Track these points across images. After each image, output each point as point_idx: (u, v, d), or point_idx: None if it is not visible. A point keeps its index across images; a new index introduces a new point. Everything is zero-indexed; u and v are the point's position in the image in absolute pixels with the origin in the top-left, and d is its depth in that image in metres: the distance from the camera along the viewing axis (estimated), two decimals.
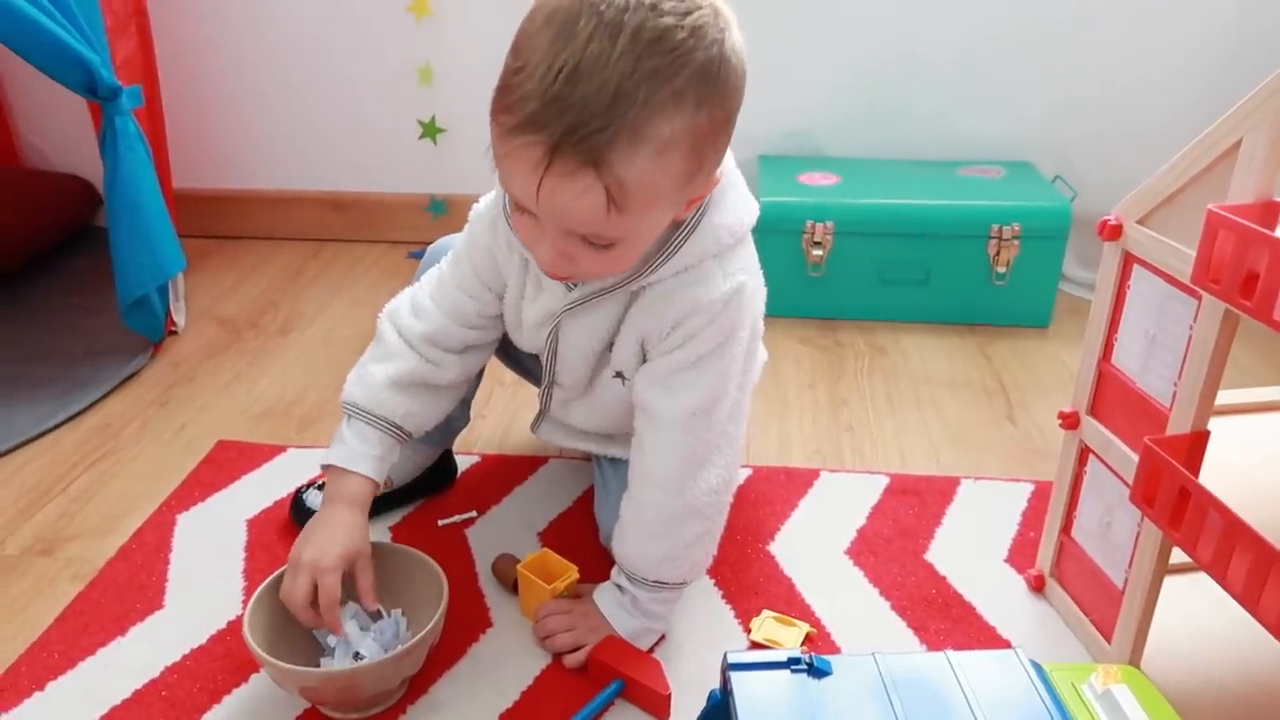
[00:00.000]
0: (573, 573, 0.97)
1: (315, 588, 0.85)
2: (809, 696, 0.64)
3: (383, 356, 0.96)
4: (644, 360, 0.91)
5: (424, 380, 0.96)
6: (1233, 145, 0.72)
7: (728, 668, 0.66)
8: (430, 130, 1.87)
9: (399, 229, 1.96)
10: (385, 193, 1.95)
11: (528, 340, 0.97)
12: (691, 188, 0.77)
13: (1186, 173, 0.77)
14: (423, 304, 0.97)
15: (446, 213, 1.92)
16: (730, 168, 0.86)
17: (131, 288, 1.41)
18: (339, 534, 0.87)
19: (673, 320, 0.86)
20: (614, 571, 0.96)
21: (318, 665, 0.88)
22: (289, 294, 1.76)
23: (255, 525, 1.12)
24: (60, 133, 1.92)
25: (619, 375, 0.93)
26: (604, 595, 0.95)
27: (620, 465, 1.06)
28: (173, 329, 1.58)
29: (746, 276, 0.87)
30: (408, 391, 0.95)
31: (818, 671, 0.65)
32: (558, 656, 0.93)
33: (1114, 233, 0.85)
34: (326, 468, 0.92)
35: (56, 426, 1.32)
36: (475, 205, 0.96)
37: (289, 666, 0.80)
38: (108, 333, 1.52)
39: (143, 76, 1.43)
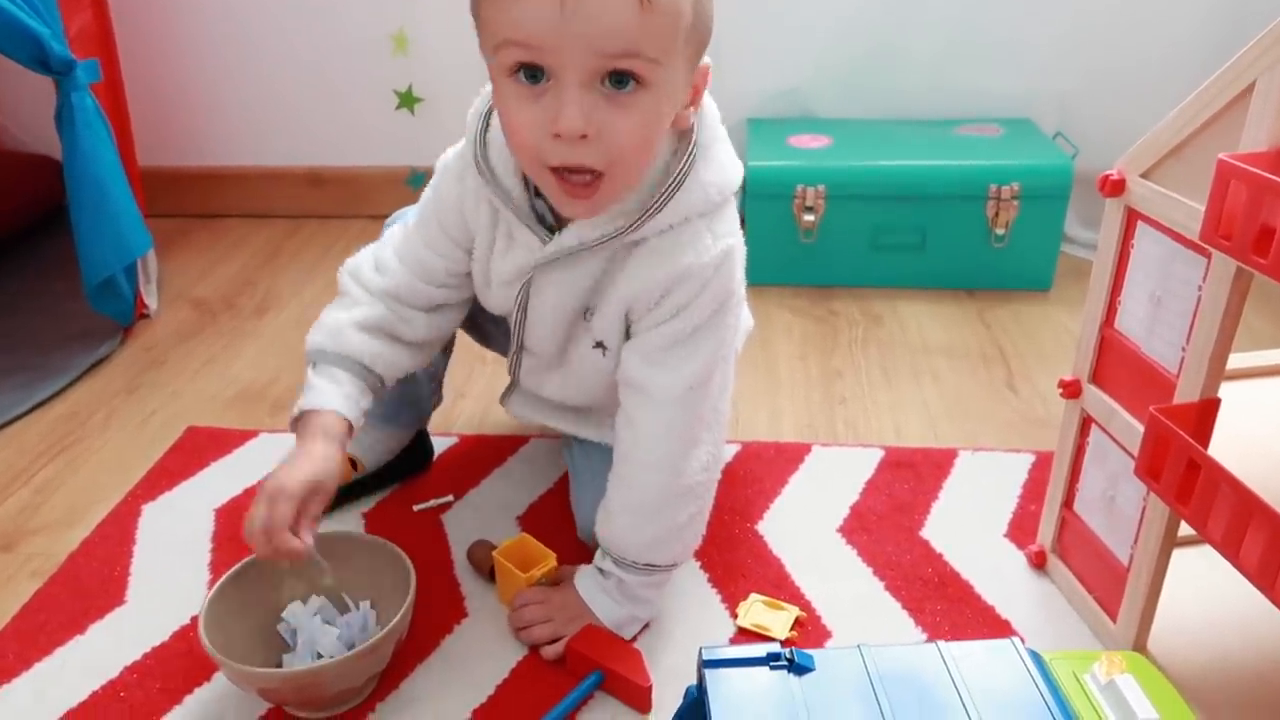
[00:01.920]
0: (550, 560, 0.92)
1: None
2: (789, 695, 0.59)
3: (346, 305, 0.91)
4: (627, 331, 0.86)
5: (391, 330, 0.91)
6: (1245, 89, 0.66)
7: (702, 664, 0.62)
8: (407, 100, 1.80)
9: (379, 203, 1.89)
10: (364, 166, 1.89)
11: (496, 299, 0.92)
12: (696, 49, 0.72)
13: (1194, 120, 0.71)
14: (386, 260, 0.92)
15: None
16: (717, 121, 0.82)
17: (96, 270, 1.36)
18: (304, 462, 0.81)
19: (662, 287, 0.81)
20: (597, 555, 0.91)
21: (279, 663, 0.84)
22: (266, 273, 1.71)
23: (223, 514, 1.08)
24: (29, 111, 1.85)
25: (600, 346, 0.88)
26: (585, 580, 0.90)
27: (591, 449, 1.01)
28: (145, 312, 1.53)
29: (735, 239, 0.83)
30: (375, 335, 0.90)
31: (799, 668, 0.60)
32: (534, 648, 0.89)
33: (1116, 188, 0.80)
34: (295, 420, 0.86)
35: (20, 416, 1.28)
36: (442, 158, 0.90)
37: (246, 668, 0.76)
38: (82, 318, 1.47)
39: (99, 49, 1.37)
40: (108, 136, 1.34)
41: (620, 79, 0.68)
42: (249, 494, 1.10)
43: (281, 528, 0.78)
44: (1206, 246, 0.69)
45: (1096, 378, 0.86)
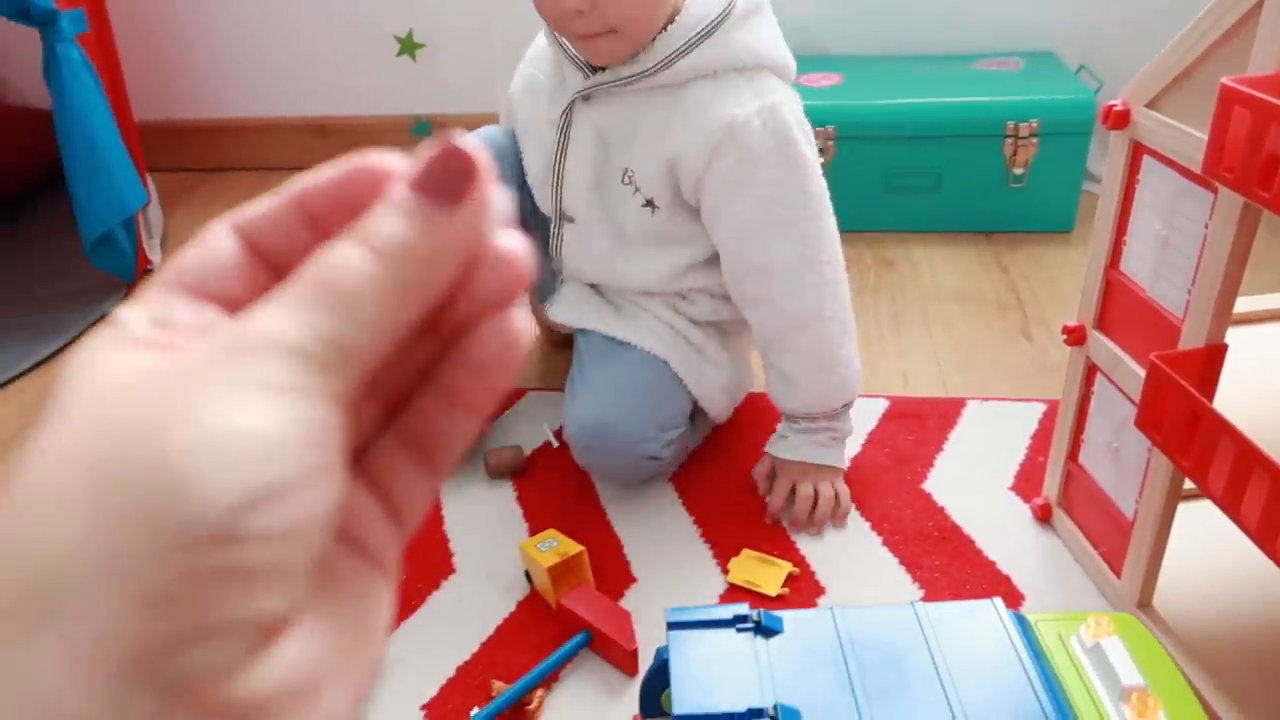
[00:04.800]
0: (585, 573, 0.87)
1: None
2: (754, 658, 0.57)
3: None
4: (678, 194, 0.90)
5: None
6: (1255, 5, 0.61)
7: (668, 626, 0.60)
8: (408, 46, 1.76)
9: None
10: (368, 115, 1.85)
11: (541, 150, 0.97)
12: None
13: (1201, 42, 0.66)
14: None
15: (431, 135, 1.82)
16: (765, 1, 0.89)
17: (93, 225, 1.35)
18: None
19: (706, 141, 0.85)
20: (787, 425, 0.96)
21: None
22: None
23: None
24: (34, 65, 1.84)
25: (650, 205, 0.91)
26: (798, 445, 0.95)
27: (598, 342, 0.98)
28: (149, 267, 1.52)
29: (779, 97, 0.87)
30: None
31: (766, 630, 0.58)
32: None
33: (1120, 120, 0.75)
34: None
35: (22, 374, 1.28)
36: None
37: None
38: (85, 275, 1.45)
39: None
40: (97, 89, 1.32)
41: None
42: None
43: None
44: (1212, 180, 0.64)
45: (1101, 323, 0.82)
